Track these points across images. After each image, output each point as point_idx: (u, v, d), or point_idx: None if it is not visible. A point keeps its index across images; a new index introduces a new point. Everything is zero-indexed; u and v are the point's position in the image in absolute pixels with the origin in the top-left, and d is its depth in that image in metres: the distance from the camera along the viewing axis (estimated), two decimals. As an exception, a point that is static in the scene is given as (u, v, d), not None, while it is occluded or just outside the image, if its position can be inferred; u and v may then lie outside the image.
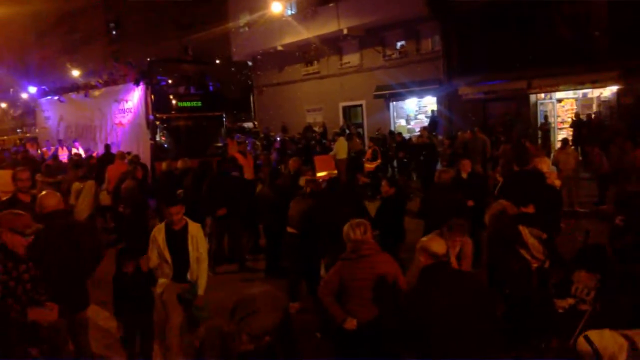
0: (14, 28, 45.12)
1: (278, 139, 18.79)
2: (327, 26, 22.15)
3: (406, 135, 18.88)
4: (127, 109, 13.93)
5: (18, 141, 24.78)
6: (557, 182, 6.69)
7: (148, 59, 14.21)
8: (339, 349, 4.32)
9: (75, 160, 12.62)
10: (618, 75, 15.07)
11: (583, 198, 11.03)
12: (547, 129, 17.50)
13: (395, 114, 22.77)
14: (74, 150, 15.25)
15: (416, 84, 20.28)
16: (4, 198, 8.67)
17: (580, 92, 17.52)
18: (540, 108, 18.38)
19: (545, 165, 6.85)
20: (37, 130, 20.70)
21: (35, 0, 38.06)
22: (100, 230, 9.79)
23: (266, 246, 8.15)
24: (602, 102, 17.12)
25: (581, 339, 3.49)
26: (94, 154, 14.16)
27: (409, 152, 15.04)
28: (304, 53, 25.01)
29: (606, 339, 3.74)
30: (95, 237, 5.63)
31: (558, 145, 15.09)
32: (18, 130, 40.07)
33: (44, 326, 3.70)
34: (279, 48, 24.66)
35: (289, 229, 6.61)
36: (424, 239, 3.66)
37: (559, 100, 18.23)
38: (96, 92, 15.22)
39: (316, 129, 21.75)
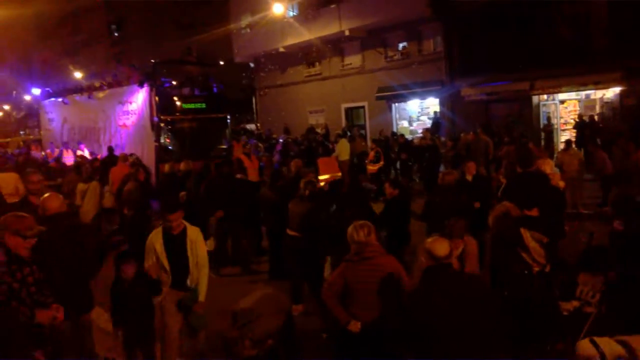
0: (17, 30, 45.26)
1: (280, 140, 18.79)
2: (329, 27, 22.16)
3: (409, 137, 18.86)
4: (132, 110, 13.88)
5: (21, 143, 24.80)
6: (561, 184, 6.67)
7: (152, 61, 14.21)
8: (343, 350, 4.31)
9: (76, 163, 12.63)
10: (621, 77, 15.05)
11: (586, 200, 11.00)
12: (550, 131, 17.47)
13: (397, 115, 22.76)
14: (79, 153, 15.19)
15: (418, 86, 20.27)
16: (9, 200, 8.74)
17: (583, 94, 17.49)
18: (542, 109, 18.35)
19: (549, 167, 6.85)
20: (40, 132, 20.70)
21: (37, 2, 38.20)
22: (104, 232, 9.79)
23: (269, 248, 8.14)
24: (605, 104, 17.09)
25: (584, 343, 3.47)
26: (99, 157, 14.15)
27: (412, 154, 15.01)
28: (305, 54, 25.02)
29: (603, 346, 3.72)
30: (99, 239, 5.64)
31: (561, 146, 15.09)
32: (21, 132, 40.15)
33: (48, 328, 3.70)
34: (281, 49, 24.68)
35: (289, 232, 6.59)
36: (428, 240, 3.65)
37: (562, 102, 18.19)
38: (100, 94, 15.17)
39: (318, 130, 21.75)
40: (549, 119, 17.91)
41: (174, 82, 13.72)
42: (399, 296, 3.98)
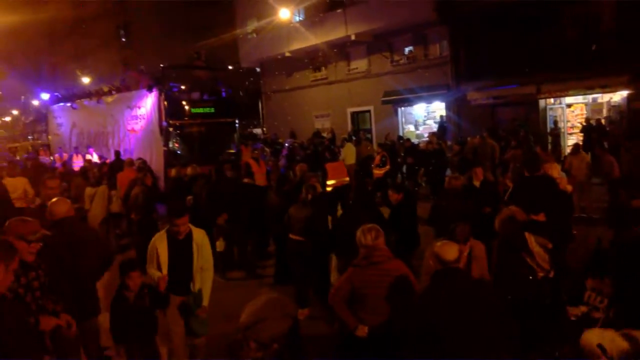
0: (26, 36, 45.67)
1: (286, 145, 18.81)
2: (335, 32, 22.20)
3: (414, 141, 18.84)
4: (140, 115, 13.91)
5: (30, 148, 24.98)
6: (569, 188, 6.63)
7: (161, 66, 14.27)
8: (349, 354, 4.29)
9: (82, 168, 12.67)
10: (628, 80, 14.97)
11: (594, 203, 10.93)
12: (556, 134, 17.39)
13: (403, 119, 22.74)
14: (87, 157, 15.23)
15: (424, 90, 20.26)
16: (17, 205, 8.82)
17: (589, 97, 17.42)
18: (549, 113, 18.27)
19: (556, 171, 6.81)
20: (49, 137, 20.82)
21: (46, 8, 38.57)
22: (111, 236, 9.84)
23: (275, 253, 8.14)
24: (612, 107, 17.00)
25: (588, 339, 3.46)
26: (107, 161, 14.21)
27: (418, 158, 14.98)
28: (312, 59, 25.08)
29: (607, 341, 3.69)
30: (105, 244, 5.65)
31: (568, 150, 15.02)
32: (29, 137, 40.46)
33: (49, 335, 3.69)
34: (287, 54, 24.74)
35: (292, 236, 6.58)
36: (437, 244, 3.65)
37: (569, 105, 18.12)
38: (109, 99, 15.23)
39: (324, 134, 21.77)
40: (555, 122, 17.83)
41: (182, 87, 13.76)
42: (408, 301, 3.96)
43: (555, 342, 4.14)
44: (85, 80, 34.73)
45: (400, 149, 16.43)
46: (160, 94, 13.09)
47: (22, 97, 46.14)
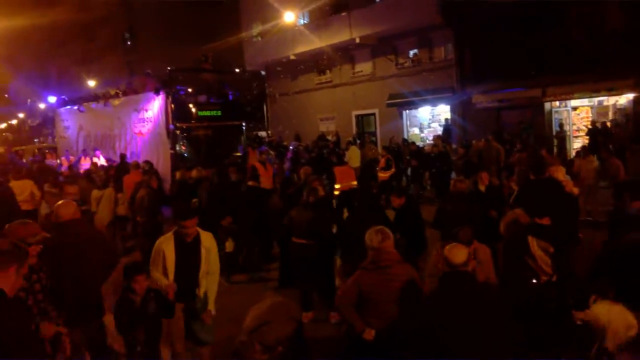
0: (33, 39, 45.97)
1: (291, 147, 18.82)
2: (340, 35, 22.24)
3: (419, 144, 18.82)
4: (147, 118, 13.90)
5: (36, 151, 25.09)
6: (575, 190, 6.59)
7: (168, 68, 14.29)
8: (357, 357, 4.28)
9: (87, 171, 12.68)
10: (634, 83, 14.92)
11: (600, 207, 10.88)
12: (562, 137, 17.33)
13: (408, 122, 22.72)
14: (94, 160, 15.21)
15: (429, 93, 20.24)
16: (24, 207, 8.87)
17: (595, 100, 17.35)
18: (555, 116, 18.22)
19: (561, 174, 6.78)
20: (55, 139, 20.90)
21: (53, 11, 38.82)
22: (117, 238, 9.87)
23: (279, 256, 8.14)
24: (617, 110, 16.93)
25: (595, 311, 3.45)
26: (114, 164, 14.23)
27: (423, 161, 14.96)
28: (316, 62, 25.12)
29: (614, 313, 3.68)
30: (111, 246, 5.65)
31: (573, 153, 14.95)
32: (35, 140, 40.67)
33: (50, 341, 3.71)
34: (292, 57, 24.80)
35: (295, 239, 6.56)
36: (447, 247, 3.65)
37: (574, 108, 18.06)
38: (116, 102, 15.21)
39: (329, 137, 21.78)
40: (561, 125, 17.78)
41: (189, 90, 13.78)
42: (415, 305, 3.94)
43: (561, 345, 4.13)
44: (91, 83, 34.90)
45: (405, 152, 16.42)
46: (167, 97, 13.08)
47: (28, 100, 46.40)
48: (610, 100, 17.09)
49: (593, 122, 16.76)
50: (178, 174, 10.76)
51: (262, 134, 21.23)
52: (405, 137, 21.02)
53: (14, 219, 4.18)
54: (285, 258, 7.57)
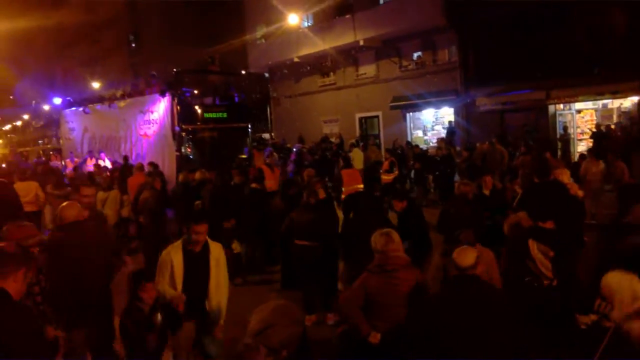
0: (38, 41, 46.23)
1: (294, 150, 18.82)
2: (344, 38, 22.27)
3: (423, 147, 18.80)
4: (153, 120, 13.86)
5: (41, 152, 25.17)
6: (580, 193, 6.56)
7: (174, 70, 14.28)
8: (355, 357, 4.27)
9: (89, 173, 12.68)
10: (639, 86, 14.87)
11: (604, 210, 10.83)
12: (566, 140, 17.29)
13: (412, 125, 22.71)
14: (100, 162, 15.18)
15: (433, 95, 20.23)
16: (27, 209, 8.90)
17: (599, 103, 17.30)
18: (559, 119, 18.17)
19: (566, 177, 6.75)
20: (60, 141, 20.91)
21: (58, 13, 39.02)
22: (120, 239, 9.89)
23: (281, 258, 8.11)
24: (622, 113, 16.88)
25: (608, 280, 3.45)
26: (118, 166, 14.23)
27: (427, 164, 14.94)
28: (320, 64, 25.14)
29: (625, 281, 3.67)
30: (116, 248, 5.64)
31: (577, 156, 14.90)
32: (39, 142, 40.84)
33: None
34: (296, 60, 24.83)
35: (297, 241, 6.53)
36: (456, 250, 3.65)
37: (579, 111, 18.01)
38: (121, 103, 15.17)
39: (332, 140, 21.78)
40: (565, 128, 17.73)
41: (195, 91, 13.77)
42: (420, 310, 3.92)
43: (561, 347, 4.11)
44: (96, 85, 35.01)
45: (409, 154, 16.40)
46: (173, 99, 13.04)
47: (33, 101, 46.62)
48: (614, 103, 17.03)
49: (597, 125, 16.71)
50: (181, 176, 10.76)
51: (266, 136, 21.26)
52: (409, 139, 21.01)
53: (18, 220, 4.20)
54: (287, 260, 7.56)
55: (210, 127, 13.80)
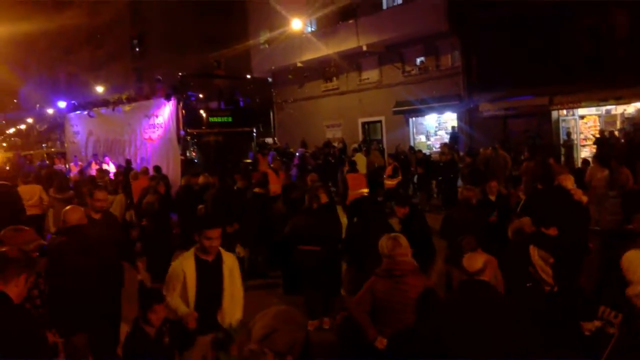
0: (42, 44, 46.45)
1: (297, 154, 18.82)
2: (347, 43, 22.31)
3: (426, 152, 18.80)
4: (158, 124, 13.85)
5: (45, 155, 25.21)
6: (584, 198, 6.54)
7: (179, 74, 14.30)
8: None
9: (91, 177, 12.67)
10: (642, 92, 14.84)
11: (608, 216, 10.79)
12: (569, 146, 17.25)
13: (414, 130, 22.71)
14: (104, 166, 15.12)
15: (436, 100, 20.24)
16: (30, 212, 8.91)
17: (603, 109, 17.26)
18: (562, 125, 18.15)
19: (570, 182, 6.73)
20: (65, 145, 20.93)
21: (62, 17, 39.22)
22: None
23: (282, 262, 8.08)
24: (625, 119, 16.84)
25: (627, 257, 3.46)
26: (123, 170, 14.22)
27: (430, 169, 14.91)
28: (323, 69, 25.19)
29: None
30: (121, 250, 5.62)
31: (580, 162, 14.86)
32: (43, 145, 40.93)
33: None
34: (299, 64, 24.87)
35: (300, 246, 6.50)
36: (467, 255, 3.64)
37: (582, 117, 17.98)
38: (126, 107, 15.17)
39: (335, 144, 21.80)
40: (568, 134, 17.71)
41: (200, 96, 13.79)
42: (428, 316, 3.90)
43: (562, 350, 4.10)
44: (99, 89, 35.12)
45: (412, 159, 16.40)
46: (178, 103, 13.04)
47: (37, 105, 46.76)
48: (618, 109, 17.00)
49: (601, 131, 16.67)
50: (183, 180, 10.76)
51: (269, 140, 21.28)
52: (412, 144, 21.01)
53: (19, 223, 4.21)
54: (288, 265, 7.54)
55: (215, 132, 13.81)
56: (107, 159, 15.77)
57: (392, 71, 22.36)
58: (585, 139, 17.84)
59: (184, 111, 13.07)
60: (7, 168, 18.27)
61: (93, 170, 14.88)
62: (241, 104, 14.47)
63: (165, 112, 13.47)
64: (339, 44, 22.56)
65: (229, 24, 30.43)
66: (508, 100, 17.74)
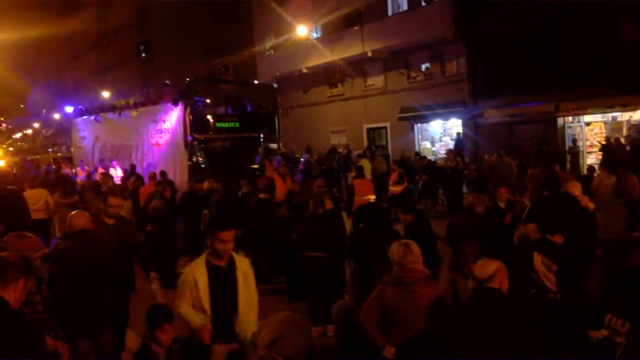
0: (49, 50, 46.79)
1: (302, 160, 18.83)
2: (352, 49, 22.38)
3: (431, 158, 18.78)
4: (165, 129, 13.86)
5: (51, 160, 25.32)
6: (591, 205, 6.50)
7: (187, 79, 14.34)
8: None
9: (94, 182, 12.66)
10: (649, 99, 14.80)
11: (615, 223, 10.73)
12: (575, 153, 17.20)
13: (419, 136, 22.72)
14: (111, 171, 15.06)
15: (441, 106, 20.24)
16: (35, 216, 8.95)
17: (609, 116, 17.22)
18: (568, 131, 18.11)
19: (577, 189, 6.69)
20: (72, 149, 21.00)
21: (69, 23, 39.52)
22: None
23: (286, 269, 8.06)
24: (632, 126, 16.78)
25: None
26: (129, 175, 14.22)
27: (436, 176, 14.89)
28: (328, 75, 25.25)
29: None
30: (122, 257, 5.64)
31: (586, 169, 14.80)
32: (49, 150, 41.16)
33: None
34: (304, 70, 24.96)
35: (305, 253, 6.47)
36: (479, 262, 3.64)
37: (588, 124, 17.93)
38: (133, 112, 15.18)
39: (340, 150, 21.82)
40: (574, 141, 17.66)
41: (207, 101, 13.81)
42: (437, 325, 3.85)
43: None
44: (105, 94, 35.32)
45: (418, 165, 16.38)
46: (185, 108, 13.04)
47: (44, 110, 47.07)
48: (624, 116, 16.95)
49: (607, 138, 16.62)
50: (187, 185, 10.77)
51: (274, 146, 21.34)
52: (417, 150, 21.00)
53: (24, 227, 4.22)
54: (292, 271, 7.52)
55: (223, 137, 13.80)
56: (114, 163, 15.78)
57: (398, 77, 22.39)
58: (591, 145, 17.79)
59: (191, 116, 13.07)
60: (14, 172, 18.33)
61: (99, 175, 14.89)
62: (248, 109, 14.49)
63: (173, 118, 13.47)
64: (344, 50, 22.63)
65: (235, 30, 30.57)
66: (513, 107, 17.72)
